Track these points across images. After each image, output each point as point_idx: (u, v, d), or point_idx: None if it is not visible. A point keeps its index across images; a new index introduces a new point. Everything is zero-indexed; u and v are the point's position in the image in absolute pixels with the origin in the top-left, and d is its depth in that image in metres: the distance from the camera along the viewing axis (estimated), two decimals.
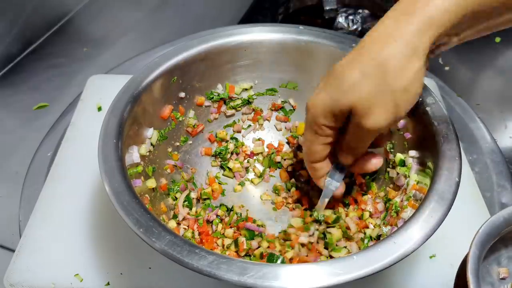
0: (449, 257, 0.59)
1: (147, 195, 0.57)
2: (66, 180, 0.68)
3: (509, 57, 1.02)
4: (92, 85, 0.83)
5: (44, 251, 0.60)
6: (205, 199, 0.67)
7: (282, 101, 0.73)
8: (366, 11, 1.09)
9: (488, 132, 0.80)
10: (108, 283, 0.57)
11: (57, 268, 0.58)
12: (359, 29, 1.08)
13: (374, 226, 0.59)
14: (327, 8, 1.11)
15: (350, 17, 1.09)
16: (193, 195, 0.65)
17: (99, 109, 0.78)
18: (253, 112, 0.73)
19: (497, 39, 1.06)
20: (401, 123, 0.59)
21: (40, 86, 0.93)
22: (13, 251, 0.60)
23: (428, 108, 0.55)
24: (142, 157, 0.59)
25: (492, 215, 0.65)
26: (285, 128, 0.74)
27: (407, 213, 0.53)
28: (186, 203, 0.64)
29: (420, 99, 0.56)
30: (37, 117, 0.86)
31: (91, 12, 1.13)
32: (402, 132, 0.60)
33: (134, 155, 0.57)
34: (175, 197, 0.63)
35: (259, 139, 0.74)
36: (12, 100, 0.90)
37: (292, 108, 0.73)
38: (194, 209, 0.64)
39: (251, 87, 0.71)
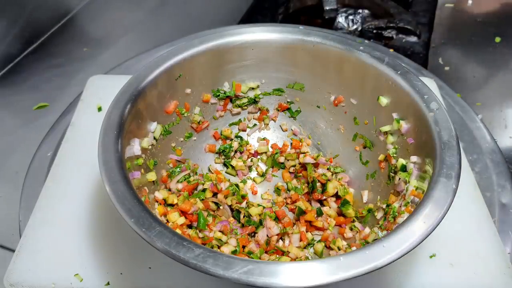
0: (449, 256, 0.59)
1: (146, 188, 0.57)
2: (66, 180, 0.68)
3: (509, 57, 1.02)
4: (92, 85, 0.83)
5: (44, 251, 0.60)
6: (203, 191, 0.66)
7: (288, 102, 0.73)
8: (366, 11, 1.09)
9: (488, 132, 0.80)
10: (108, 283, 0.57)
11: (57, 268, 0.58)
12: (359, 29, 1.08)
13: (370, 232, 0.59)
14: (327, 8, 1.11)
15: (350, 17, 1.09)
16: (192, 179, 0.66)
17: (99, 109, 0.78)
18: (259, 112, 0.73)
19: (497, 39, 1.06)
20: (405, 128, 0.59)
21: (40, 86, 0.93)
22: (13, 251, 0.60)
23: (431, 114, 0.55)
24: (144, 150, 0.59)
25: (492, 215, 0.65)
26: (291, 129, 0.74)
27: (404, 218, 0.52)
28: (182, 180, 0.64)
29: (424, 104, 0.56)
30: (37, 117, 0.86)
31: (91, 12, 1.14)
32: (405, 137, 0.59)
33: (135, 147, 0.57)
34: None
35: (264, 139, 0.74)
36: (12, 100, 0.90)
37: (298, 109, 0.73)
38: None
39: (258, 86, 0.71)
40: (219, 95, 0.69)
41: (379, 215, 0.60)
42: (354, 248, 0.58)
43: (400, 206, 0.56)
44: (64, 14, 1.10)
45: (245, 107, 0.72)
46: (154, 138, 0.61)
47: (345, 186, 0.67)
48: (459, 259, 0.59)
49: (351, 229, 0.62)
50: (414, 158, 0.57)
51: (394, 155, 0.61)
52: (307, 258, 0.60)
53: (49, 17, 1.08)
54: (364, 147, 0.67)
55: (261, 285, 0.41)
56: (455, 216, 0.63)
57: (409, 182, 0.56)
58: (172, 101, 0.63)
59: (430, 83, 0.85)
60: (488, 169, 0.74)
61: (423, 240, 0.44)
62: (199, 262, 0.41)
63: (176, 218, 0.59)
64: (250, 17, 1.16)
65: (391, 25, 1.07)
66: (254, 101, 0.72)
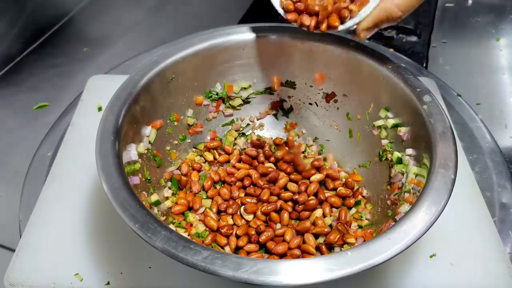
0: (449, 256, 0.59)
1: (144, 192, 0.57)
2: (66, 180, 0.68)
3: (509, 57, 1.02)
4: (92, 85, 0.83)
5: (44, 251, 0.60)
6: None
7: (281, 100, 0.73)
8: None
9: (488, 132, 0.80)
10: (108, 283, 0.57)
11: (57, 268, 0.58)
12: None
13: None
14: None
15: None
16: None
17: (99, 109, 0.78)
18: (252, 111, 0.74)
19: (497, 39, 1.06)
20: (405, 135, 0.59)
21: (40, 86, 0.93)
22: (13, 251, 0.60)
23: (425, 107, 0.55)
24: (140, 154, 0.59)
25: (492, 215, 0.65)
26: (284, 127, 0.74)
27: (405, 208, 0.53)
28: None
29: (417, 97, 0.56)
30: (37, 117, 0.86)
31: (91, 12, 1.14)
32: (399, 132, 0.60)
33: (132, 152, 0.57)
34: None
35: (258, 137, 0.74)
36: (12, 100, 0.91)
37: (290, 107, 0.73)
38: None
39: (250, 86, 0.71)
40: (211, 96, 0.69)
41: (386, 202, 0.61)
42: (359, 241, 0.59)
43: (398, 197, 0.56)
44: (64, 14, 1.10)
45: (238, 108, 0.72)
46: (149, 142, 0.61)
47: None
48: (459, 259, 0.59)
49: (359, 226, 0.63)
50: (409, 151, 0.58)
51: (390, 149, 0.61)
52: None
53: (49, 17, 1.08)
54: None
55: (272, 284, 0.41)
56: (455, 216, 0.63)
57: (407, 172, 0.56)
58: (157, 120, 0.63)
59: (430, 83, 0.85)
60: (488, 169, 0.74)
61: (427, 231, 0.44)
62: (207, 265, 0.41)
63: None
64: (250, 17, 1.15)
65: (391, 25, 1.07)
66: (246, 101, 0.72)
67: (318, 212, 0.63)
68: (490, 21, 1.12)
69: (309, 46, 0.65)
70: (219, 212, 0.65)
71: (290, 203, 0.64)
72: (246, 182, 0.67)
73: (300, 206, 0.63)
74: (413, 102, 0.57)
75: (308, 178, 0.67)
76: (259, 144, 0.72)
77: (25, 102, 0.89)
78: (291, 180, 0.67)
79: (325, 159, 0.72)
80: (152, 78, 0.60)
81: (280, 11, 0.60)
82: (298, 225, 0.60)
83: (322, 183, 0.68)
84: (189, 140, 0.70)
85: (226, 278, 0.41)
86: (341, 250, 0.59)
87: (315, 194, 0.65)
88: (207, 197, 0.66)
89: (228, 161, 0.71)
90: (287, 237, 0.59)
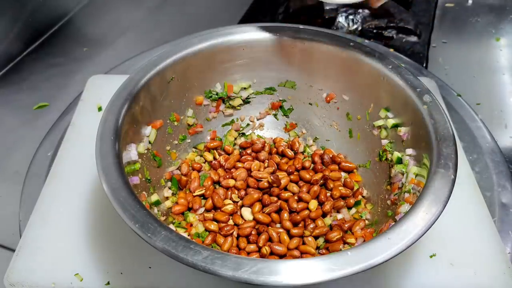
0: (449, 256, 0.59)
1: (144, 192, 0.56)
2: (66, 180, 0.68)
3: (509, 57, 1.02)
4: (92, 85, 0.83)
5: (44, 251, 0.60)
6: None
7: (280, 100, 0.73)
8: (366, 11, 1.09)
9: (488, 132, 0.80)
10: (108, 283, 0.57)
11: (57, 268, 0.58)
12: (359, 28, 1.08)
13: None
14: (327, 8, 1.11)
15: (350, 17, 1.09)
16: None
17: (99, 109, 0.78)
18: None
19: (497, 39, 1.06)
20: (405, 135, 0.59)
21: (40, 85, 0.93)
22: (13, 251, 0.60)
23: (425, 107, 0.55)
24: (140, 154, 0.59)
25: (492, 215, 0.65)
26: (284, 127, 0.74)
27: (405, 208, 0.53)
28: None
29: (417, 97, 0.56)
30: (37, 117, 0.86)
31: (91, 12, 1.14)
32: (399, 132, 0.60)
33: (132, 152, 0.57)
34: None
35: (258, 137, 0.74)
36: (12, 100, 0.91)
37: (290, 107, 0.73)
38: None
39: (250, 86, 0.71)
40: (211, 96, 0.69)
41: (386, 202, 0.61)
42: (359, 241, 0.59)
43: (398, 197, 0.56)
44: (64, 14, 1.11)
45: (238, 108, 0.72)
46: (149, 142, 0.61)
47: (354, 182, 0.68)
48: (459, 259, 0.59)
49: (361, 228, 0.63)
50: (409, 151, 0.58)
51: (390, 149, 0.62)
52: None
53: (49, 17, 1.08)
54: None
55: (272, 284, 0.41)
56: (455, 216, 0.63)
57: (407, 172, 0.56)
58: (157, 120, 0.63)
59: (430, 83, 0.85)
60: (488, 169, 0.74)
61: (426, 231, 0.44)
62: (207, 265, 0.41)
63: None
64: (250, 17, 1.15)
65: (391, 25, 1.07)
66: (246, 101, 0.72)
67: (313, 204, 0.62)
68: (490, 21, 1.12)
69: (309, 46, 0.65)
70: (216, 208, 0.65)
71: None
72: None
73: (300, 206, 0.63)
74: (413, 102, 0.57)
75: (309, 182, 0.67)
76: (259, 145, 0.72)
77: (25, 101, 0.89)
78: (291, 181, 0.67)
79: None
80: (152, 78, 0.60)
81: None
82: (292, 231, 0.60)
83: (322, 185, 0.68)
84: (189, 140, 0.70)
85: (226, 278, 0.41)
86: (341, 250, 0.59)
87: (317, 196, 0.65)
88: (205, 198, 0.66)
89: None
90: (286, 238, 0.59)
